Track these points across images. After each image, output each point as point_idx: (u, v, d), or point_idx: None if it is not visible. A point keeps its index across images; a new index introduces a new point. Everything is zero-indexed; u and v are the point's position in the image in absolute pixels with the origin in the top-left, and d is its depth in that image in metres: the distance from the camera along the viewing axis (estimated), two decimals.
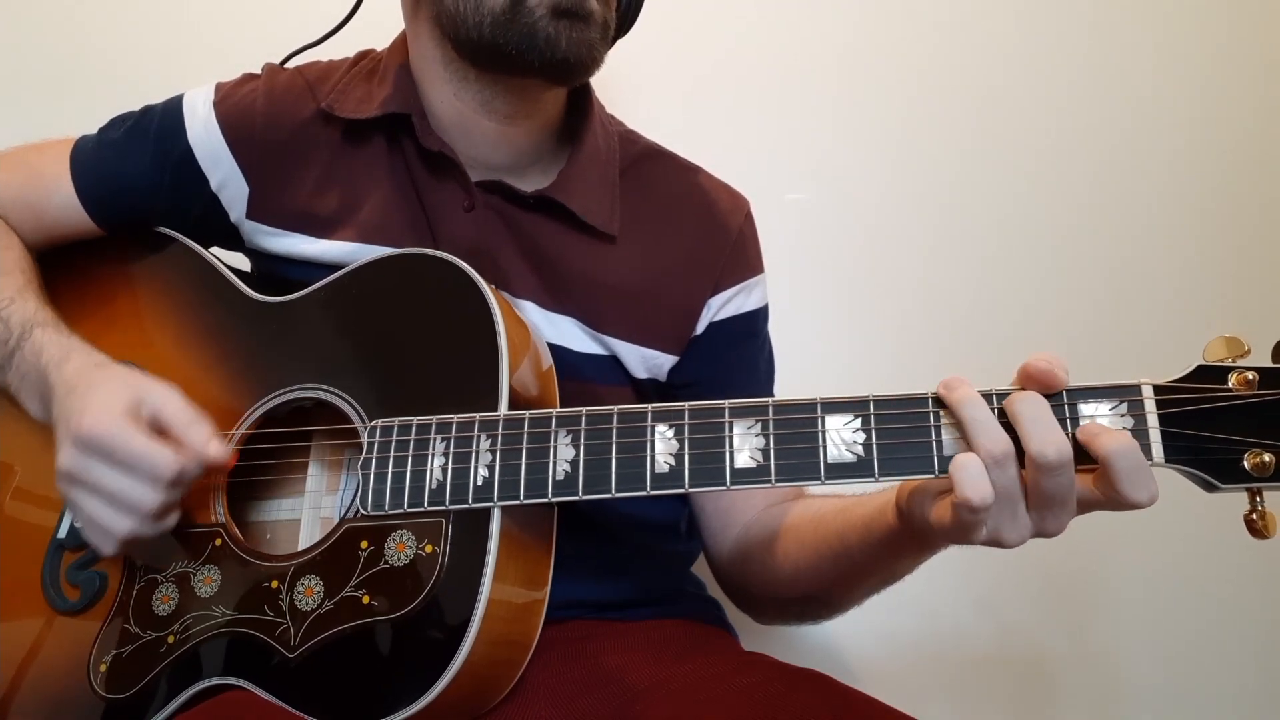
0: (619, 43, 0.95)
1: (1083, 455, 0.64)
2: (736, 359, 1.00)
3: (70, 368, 0.82)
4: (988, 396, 0.67)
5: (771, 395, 1.02)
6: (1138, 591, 1.36)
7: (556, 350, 0.91)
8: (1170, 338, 1.27)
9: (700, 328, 0.97)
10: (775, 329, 1.04)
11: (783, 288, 1.07)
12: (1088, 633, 1.36)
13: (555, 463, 0.74)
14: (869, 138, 1.40)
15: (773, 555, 0.89)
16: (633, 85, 1.24)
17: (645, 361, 0.95)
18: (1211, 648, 1.36)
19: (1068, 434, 0.64)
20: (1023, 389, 0.67)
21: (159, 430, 0.78)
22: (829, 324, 1.38)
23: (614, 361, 0.95)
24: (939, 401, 0.68)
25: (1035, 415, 0.64)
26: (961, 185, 1.39)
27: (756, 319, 1.01)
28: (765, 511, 0.94)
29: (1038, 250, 1.39)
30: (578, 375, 0.92)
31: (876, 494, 0.79)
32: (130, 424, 0.76)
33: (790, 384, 1.05)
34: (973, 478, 0.63)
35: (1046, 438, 0.63)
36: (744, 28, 1.40)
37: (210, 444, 0.78)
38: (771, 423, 0.70)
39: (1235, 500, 0.66)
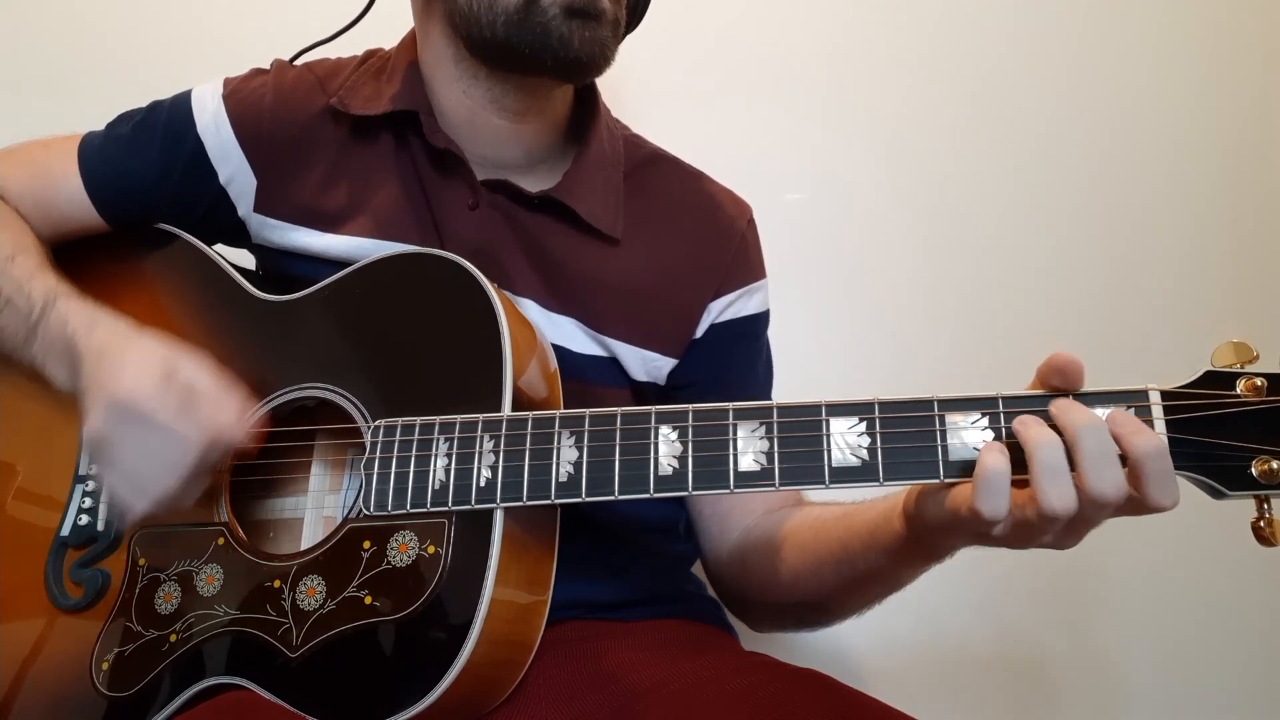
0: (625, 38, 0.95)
1: None
2: (734, 362, 1.00)
3: (99, 335, 0.82)
4: (993, 400, 0.67)
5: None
6: (1138, 593, 1.35)
7: (556, 350, 0.91)
8: (1178, 343, 1.27)
9: (700, 330, 0.97)
10: (775, 329, 1.04)
11: (783, 288, 1.07)
12: (1088, 634, 1.36)
13: (558, 464, 0.74)
14: (868, 137, 1.39)
15: (772, 562, 0.89)
16: (631, 83, 1.24)
17: (645, 364, 0.95)
18: (1212, 649, 1.35)
19: None
20: (1041, 389, 0.66)
21: (191, 399, 0.78)
22: (829, 325, 1.37)
23: (614, 363, 0.95)
24: (944, 405, 0.67)
25: (1102, 450, 0.62)
26: (963, 186, 1.39)
27: (757, 323, 1.01)
28: (765, 517, 0.94)
29: (1042, 252, 1.39)
30: (577, 376, 0.91)
31: (880, 500, 0.79)
32: (163, 392, 0.77)
33: (790, 385, 1.05)
34: (993, 493, 0.62)
35: (1107, 476, 0.61)
36: (743, 26, 1.40)
37: (238, 429, 0.79)
38: (775, 425, 0.70)
39: (1240, 505, 0.65)
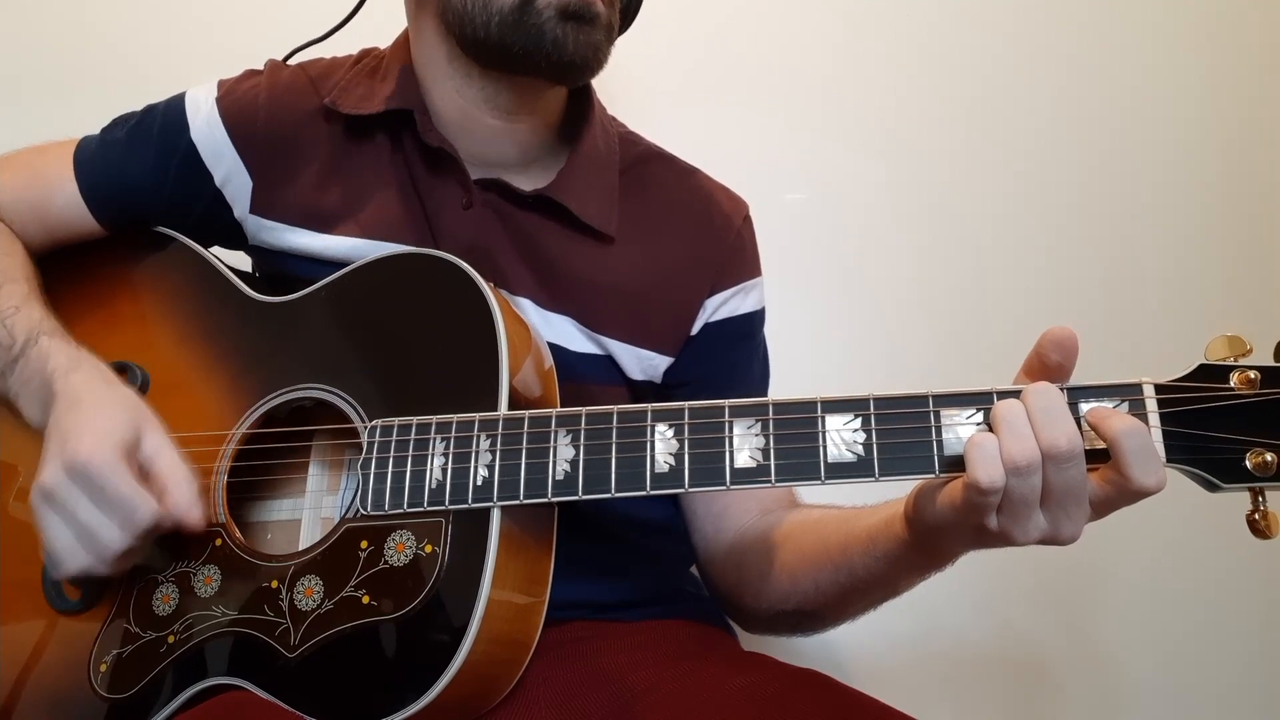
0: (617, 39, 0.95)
1: (1091, 455, 0.64)
2: (730, 360, 1.00)
3: (76, 379, 0.81)
4: (988, 395, 0.67)
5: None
6: (1138, 591, 1.36)
7: (553, 349, 0.91)
8: (1172, 336, 1.27)
9: (696, 328, 0.97)
10: (774, 328, 1.04)
11: (782, 287, 1.07)
12: (1088, 632, 1.36)
13: (555, 463, 0.74)
14: (868, 137, 1.40)
15: (770, 564, 0.89)
16: (629, 83, 1.24)
17: (641, 363, 0.95)
18: (1212, 647, 1.36)
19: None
20: (1037, 364, 0.67)
21: (147, 474, 0.78)
22: (828, 324, 1.38)
23: (610, 362, 0.95)
24: (939, 400, 0.68)
25: (1047, 406, 0.64)
26: (959, 184, 1.39)
27: (752, 321, 1.01)
28: (762, 519, 0.94)
29: (1037, 248, 1.39)
30: (574, 375, 0.92)
31: (882, 506, 0.79)
32: (123, 461, 0.76)
33: (787, 382, 1.05)
34: (987, 457, 0.63)
35: (1057, 429, 0.63)
36: (743, 25, 1.40)
37: (193, 509, 0.78)
38: (771, 422, 0.70)
39: (1235, 499, 0.66)
